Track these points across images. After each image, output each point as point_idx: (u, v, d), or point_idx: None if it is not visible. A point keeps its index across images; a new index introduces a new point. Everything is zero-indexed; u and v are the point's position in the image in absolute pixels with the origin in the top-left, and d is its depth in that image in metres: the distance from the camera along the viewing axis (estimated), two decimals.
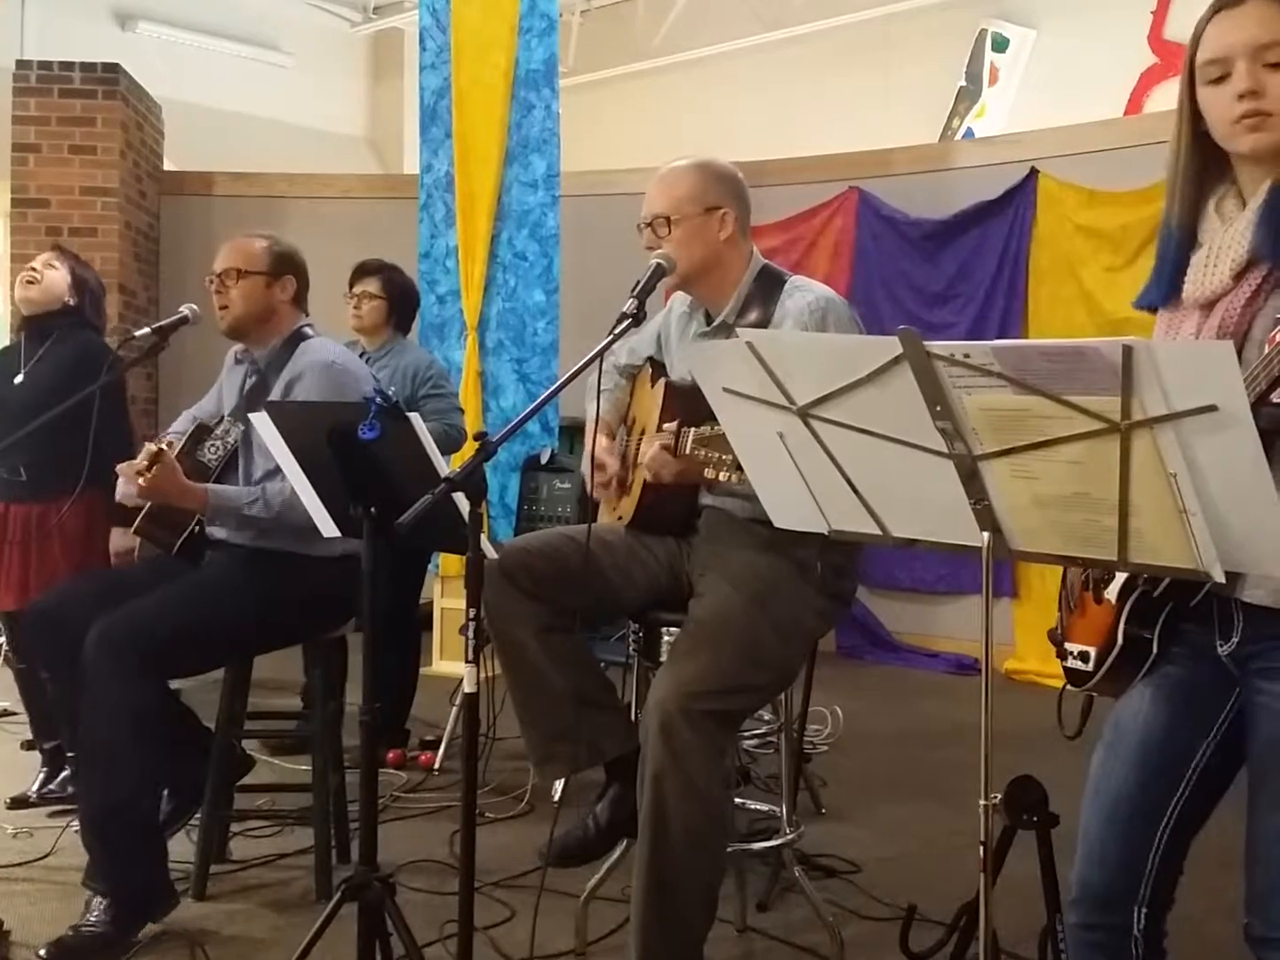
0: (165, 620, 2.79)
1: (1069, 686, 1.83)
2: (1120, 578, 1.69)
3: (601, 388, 2.56)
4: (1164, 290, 1.70)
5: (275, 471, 2.96)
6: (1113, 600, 1.70)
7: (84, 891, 2.77)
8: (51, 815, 3.55)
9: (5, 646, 4.46)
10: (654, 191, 2.55)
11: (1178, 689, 1.69)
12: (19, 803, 3.64)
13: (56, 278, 3.78)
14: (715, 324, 2.57)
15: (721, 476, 2.14)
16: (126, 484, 3.55)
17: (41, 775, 3.73)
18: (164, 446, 2.84)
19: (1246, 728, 1.64)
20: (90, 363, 3.63)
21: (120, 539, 3.71)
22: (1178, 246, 1.69)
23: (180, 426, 3.36)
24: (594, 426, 2.55)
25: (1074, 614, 1.81)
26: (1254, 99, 1.58)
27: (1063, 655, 1.82)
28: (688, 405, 2.34)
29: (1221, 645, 1.64)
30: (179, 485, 2.88)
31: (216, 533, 3.09)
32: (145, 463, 2.79)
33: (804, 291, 2.51)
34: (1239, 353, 1.55)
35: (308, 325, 3.19)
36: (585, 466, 2.62)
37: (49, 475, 3.65)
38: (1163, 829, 1.68)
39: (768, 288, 2.54)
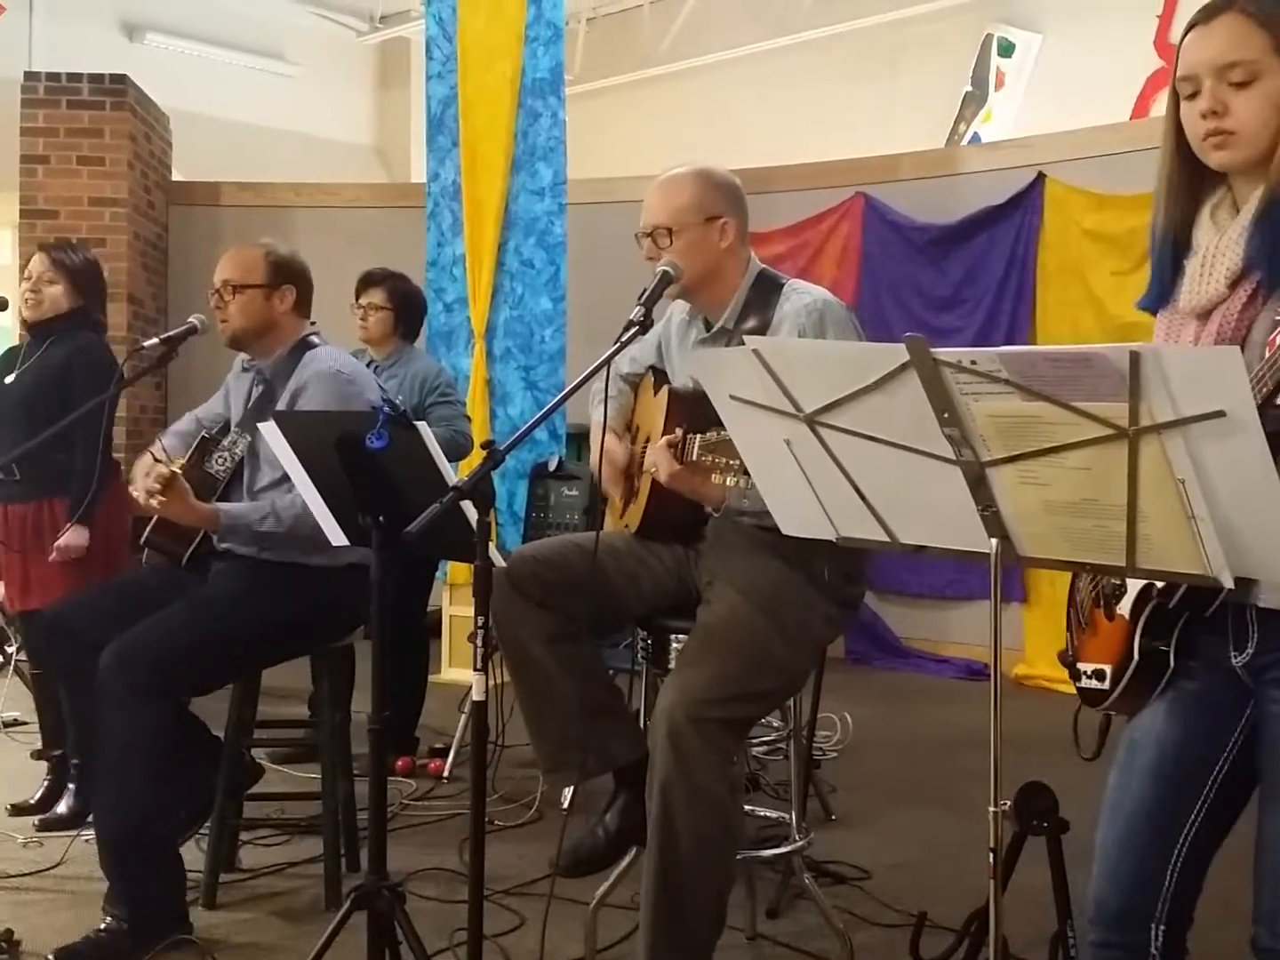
0: (175, 641, 2.79)
1: (1085, 706, 1.81)
2: (1133, 592, 1.68)
3: (607, 395, 2.57)
4: (1155, 294, 1.72)
5: (280, 482, 2.95)
6: (1125, 615, 1.69)
7: (94, 900, 2.78)
8: (42, 827, 3.54)
9: (15, 654, 4.48)
10: (653, 201, 2.54)
11: (1192, 703, 1.68)
12: (20, 810, 3.65)
13: (56, 293, 3.81)
14: (714, 330, 2.57)
15: (729, 481, 2.13)
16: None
17: (46, 784, 3.74)
18: (177, 470, 2.82)
19: (1259, 738, 1.63)
20: (79, 365, 3.72)
21: (74, 536, 3.66)
22: (1166, 254, 1.69)
23: (183, 427, 3.36)
24: (601, 430, 2.55)
25: (1085, 633, 1.79)
26: (1216, 118, 1.58)
27: (1076, 676, 1.79)
28: (692, 412, 2.34)
29: (1236, 656, 1.63)
30: (191, 507, 2.85)
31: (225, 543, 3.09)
32: (158, 486, 2.77)
33: (801, 294, 2.51)
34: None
35: (313, 334, 3.16)
36: (594, 460, 2.61)
37: (41, 474, 3.68)
38: (1180, 845, 1.67)
39: (766, 292, 2.54)
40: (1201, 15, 1.61)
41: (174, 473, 2.80)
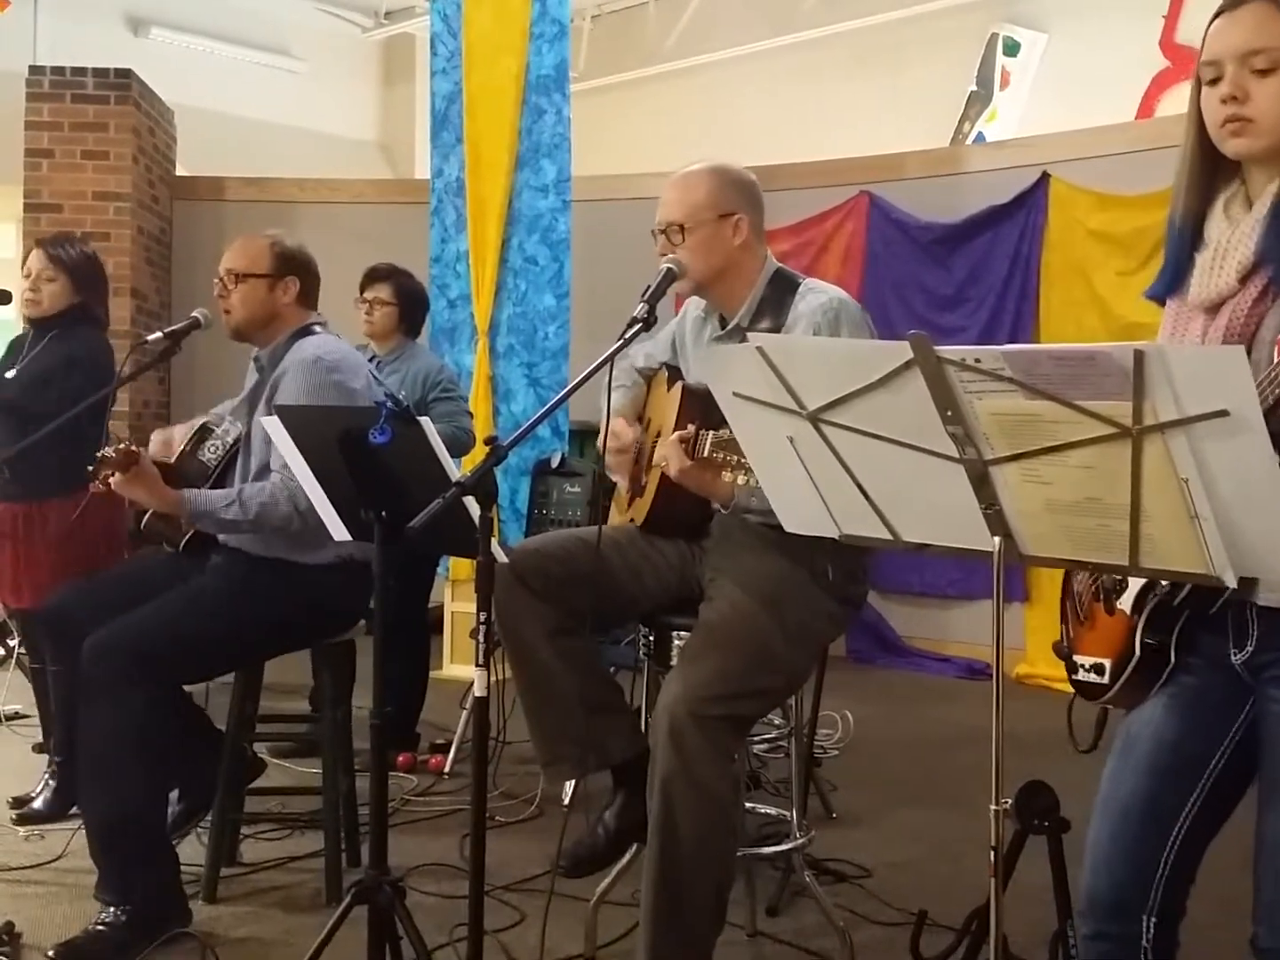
0: (159, 630, 2.78)
1: (1080, 699, 1.81)
2: (1134, 587, 1.68)
3: (618, 384, 2.57)
4: (1166, 283, 1.71)
5: (262, 471, 2.95)
6: (1127, 610, 1.69)
7: (98, 900, 2.77)
8: (20, 821, 3.52)
9: (18, 648, 4.48)
10: (668, 197, 2.53)
11: (1191, 698, 1.68)
12: (21, 802, 3.65)
13: (55, 289, 3.77)
14: (729, 328, 2.57)
15: (739, 479, 2.14)
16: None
17: (45, 781, 3.73)
18: (138, 448, 2.80)
19: (1258, 736, 1.63)
20: (78, 362, 3.67)
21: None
22: (1182, 243, 1.69)
23: (220, 411, 3.38)
24: (607, 420, 2.54)
25: (1083, 626, 1.79)
26: (1236, 105, 1.58)
27: (1072, 668, 1.79)
28: (704, 409, 2.34)
29: (1236, 654, 1.63)
30: (153, 489, 2.82)
31: (222, 535, 3.09)
32: (101, 466, 2.75)
33: (817, 293, 2.51)
34: (1249, 355, 1.55)
35: (317, 323, 3.15)
36: (601, 443, 2.61)
37: (32, 473, 3.65)
38: (1173, 838, 1.67)
39: (781, 291, 2.54)
40: (1230, 1, 1.61)
41: (133, 452, 2.76)
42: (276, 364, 3.05)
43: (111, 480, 2.77)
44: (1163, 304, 1.74)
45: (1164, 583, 1.63)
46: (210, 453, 3.13)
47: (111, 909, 2.72)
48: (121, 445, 2.78)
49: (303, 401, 2.88)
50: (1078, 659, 1.79)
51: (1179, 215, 1.69)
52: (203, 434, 3.19)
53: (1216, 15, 1.63)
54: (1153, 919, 1.68)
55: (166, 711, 2.85)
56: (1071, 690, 1.84)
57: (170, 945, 2.74)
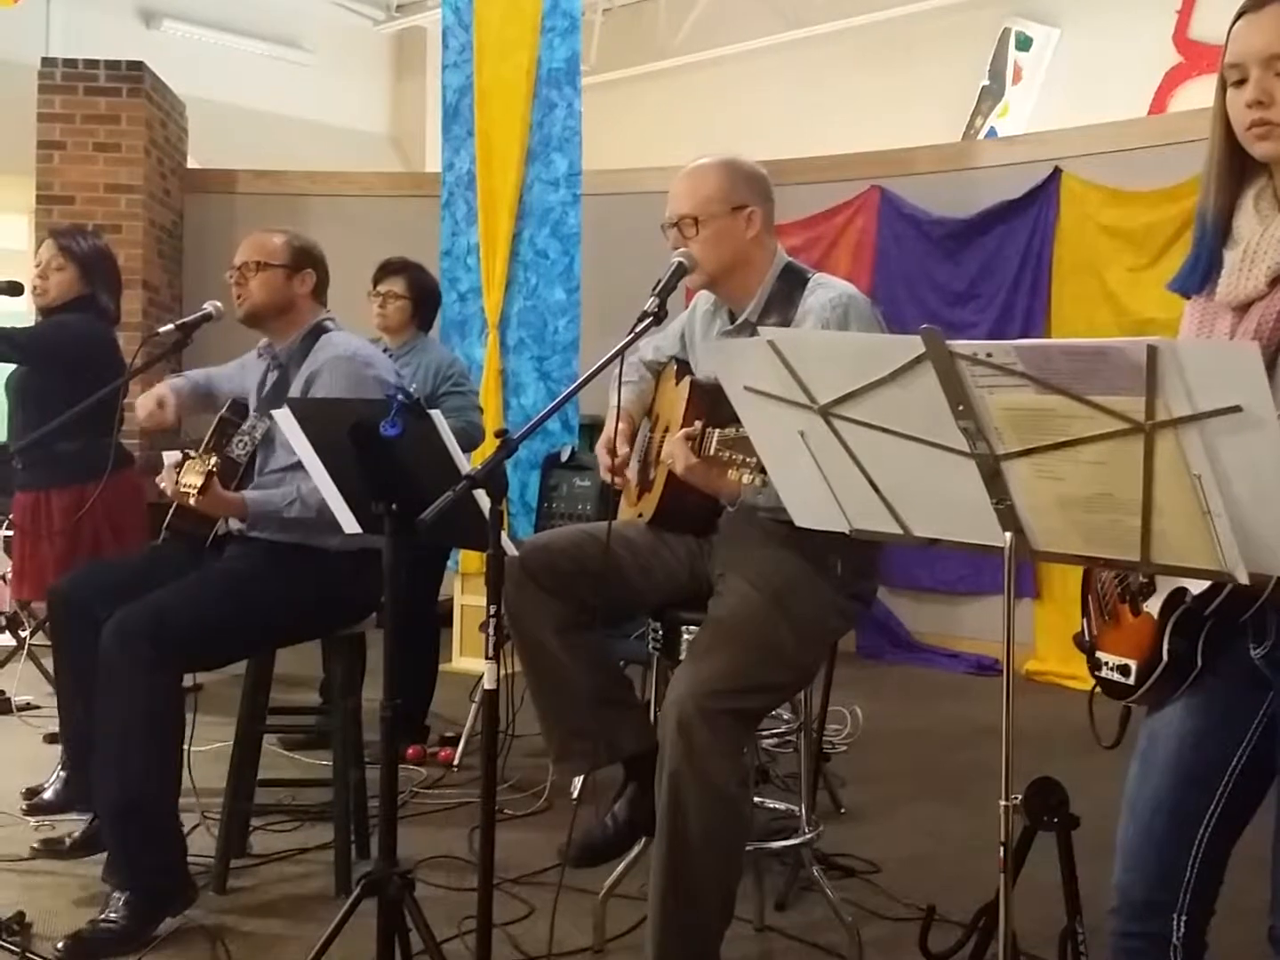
0: (181, 613, 2.80)
1: (1101, 693, 1.80)
2: (1162, 591, 1.67)
3: (626, 380, 2.56)
4: (1198, 280, 1.69)
5: (294, 467, 2.96)
6: (1154, 614, 1.68)
7: (105, 885, 2.78)
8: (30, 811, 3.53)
9: (29, 639, 4.49)
10: (679, 190, 2.53)
11: (1211, 695, 1.68)
12: (34, 793, 3.65)
13: (63, 279, 3.80)
14: (738, 322, 2.56)
15: (745, 478, 2.13)
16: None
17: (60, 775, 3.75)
18: (214, 469, 2.82)
19: (1277, 730, 1.63)
20: (67, 327, 3.72)
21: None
22: (1212, 238, 1.67)
23: (198, 377, 3.44)
24: (615, 415, 2.54)
25: (1107, 623, 1.79)
26: (1261, 109, 1.57)
27: (1095, 664, 1.79)
28: (712, 404, 2.34)
29: (1255, 649, 1.63)
30: (223, 500, 2.89)
31: (234, 524, 3.10)
32: (195, 486, 2.78)
33: (826, 288, 2.50)
34: (1276, 358, 1.54)
35: (329, 319, 3.19)
36: (599, 450, 2.61)
37: (41, 464, 3.65)
38: (1200, 837, 1.67)
39: (791, 286, 2.53)
40: (1252, 3, 1.60)
41: (211, 471, 2.80)
42: (299, 362, 3.08)
43: (195, 500, 2.79)
44: (1186, 297, 1.73)
45: (1194, 592, 1.62)
46: (239, 449, 3.14)
47: (118, 895, 2.73)
48: (214, 462, 2.80)
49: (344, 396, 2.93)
50: (1101, 656, 1.78)
51: (1210, 214, 1.67)
52: (225, 429, 3.20)
53: (1239, 16, 1.61)
54: (1183, 917, 1.68)
55: (181, 694, 2.87)
56: (1087, 687, 1.83)
57: (180, 936, 2.75)
